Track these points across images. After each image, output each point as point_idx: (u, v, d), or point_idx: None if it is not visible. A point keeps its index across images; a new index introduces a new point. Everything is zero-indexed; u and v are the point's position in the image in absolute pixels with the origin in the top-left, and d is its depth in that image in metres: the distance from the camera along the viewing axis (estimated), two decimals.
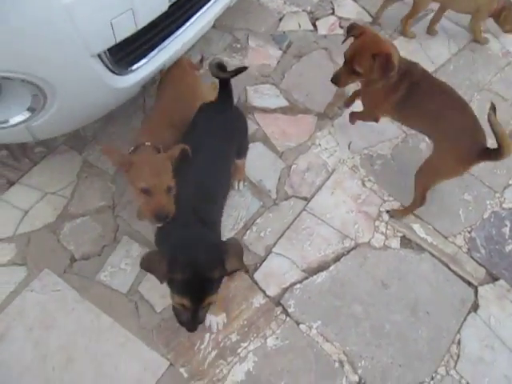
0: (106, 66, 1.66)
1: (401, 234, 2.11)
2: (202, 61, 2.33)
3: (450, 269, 2.04)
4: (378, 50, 1.77)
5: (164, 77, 2.00)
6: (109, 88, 1.72)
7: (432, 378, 1.81)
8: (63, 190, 2.12)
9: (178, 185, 1.52)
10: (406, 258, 2.05)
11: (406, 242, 2.10)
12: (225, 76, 1.76)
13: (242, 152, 1.93)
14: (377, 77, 1.80)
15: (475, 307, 1.97)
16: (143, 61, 1.85)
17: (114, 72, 1.71)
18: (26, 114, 1.60)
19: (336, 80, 1.94)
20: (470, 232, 2.15)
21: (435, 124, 1.90)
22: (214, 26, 2.65)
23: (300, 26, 2.79)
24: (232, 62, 2.59)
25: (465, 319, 1.94)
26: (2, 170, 2.15)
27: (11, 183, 2.12)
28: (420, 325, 1.91)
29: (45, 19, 1.36)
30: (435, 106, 1.87)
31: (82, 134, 2.28)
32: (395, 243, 2.08)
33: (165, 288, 1.50)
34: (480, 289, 2.01)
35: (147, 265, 1.32)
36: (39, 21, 1.36)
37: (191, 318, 1.35)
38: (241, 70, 1.76)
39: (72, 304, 1.83)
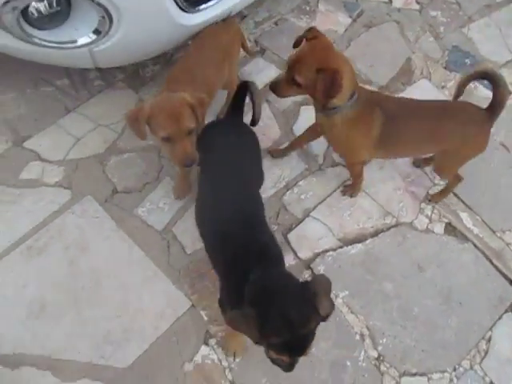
0: (175, 1, 1.66)
1: (446, 220, 2.01)
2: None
3: (492, 263, 1.94)
4: (324, 64, 1.46)
5: (207, 31, 1.89)
6: (174, 23, 1.72)
7: (454, 369, 1.74)
8: (115, 124, 2.16)
9: (218, 222, 1.42)
10: (448, 245, 1.96)
11: (450, 229, 2.01)
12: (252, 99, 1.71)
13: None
14: (318, 96, 1.52)
15: None
16: (212, 2, 1.83)
17: (181, 8, 1.71)
18: (92, 37, 1.63)
19: (275, 87, 1.64)
20: None
21: (434, 141, 1.75)
22: None
23: None
24: (298, 23, 2.52)
25: (500, 317, 1.84)
26: (62, 97, 2.22)
27: (68, 111, 2.18)
28: (451, 314, 1.83)
29: None
30: (423, 125, 1.68)
31: (140, 73, 2.31)
32: (439, 228, 2.00)
33: (197, 232, 1.52)
34: None
35: (235, 327, 1.17)
36: None
37: (290, 364, 1.23)
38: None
39: (108, 232, 1.88)
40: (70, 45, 1.64)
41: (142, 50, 1.78)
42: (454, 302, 1.86)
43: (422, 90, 2.33)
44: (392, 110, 1.65)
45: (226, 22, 1.93)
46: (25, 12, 1.55)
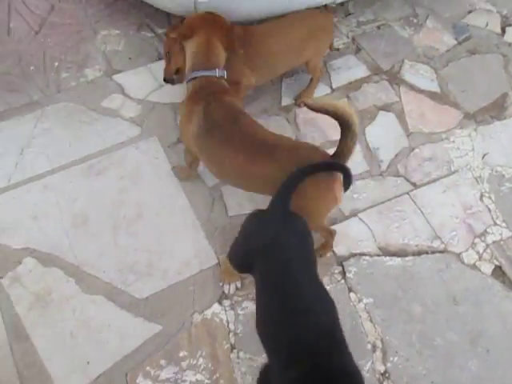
0: None
1: (497, 263, 1.90)
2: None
3: None
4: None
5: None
6: None
7: None
8: None
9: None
10: (491, 289, 1.85)
11: (499, 273, 1.88)
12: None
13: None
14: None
15: None
16: None
17: None
18: None
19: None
20: None
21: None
22: None
23: (487, 26, 2.58)
24: (401, 33, 2.49)
25: None
26: (158, 44, 2.35)
27: (160, 58, 2.30)
28: (473, 357, 1.72)
29: None
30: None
31: None
32: (487, 268, 1.88)
33: (244, 198, 1.53)
34: None
35: None
36: None
37: None
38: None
39: (162, 174, 1.97)
40: None
41: (247, 7, 1.82)
42: (481, 346, 1.74)
43: (510, 128, 2.21)
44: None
45: (323, 11, 1.99)
46: None
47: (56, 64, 2.24)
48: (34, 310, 1.69)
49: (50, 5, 2.43)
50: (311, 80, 2.16)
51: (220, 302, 1.73)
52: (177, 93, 2.19)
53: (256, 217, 1.41)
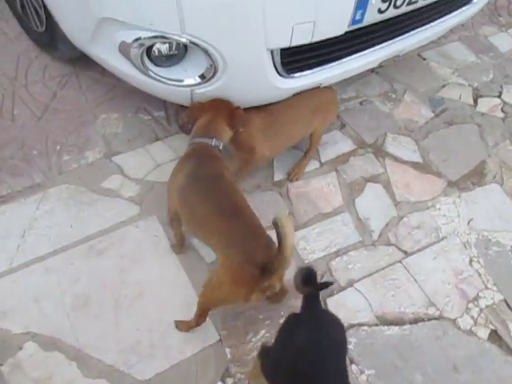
0: (273, 64, 1.87)
1: (492, 327, 1.94)
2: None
3: None
4: None
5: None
6: (269, 83, 1.92)
7: None
8: None
9: None
10: (489, 354, 1.88)
11: (495, 337, 1.92)
12: (310, 290, 1.44)
13: None
14: None
15: None
16: (306, 72, 2.02)
17: (277, 71, 1.91)
18: (197, 80, 1.86)
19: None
20: None
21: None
22: (376, 72, 2.81)
23: (460, 98, 2.78)
24: (382, 108, 2.67)
25: None
26: (155, 126, 2.49)
27: (157, 139, 2.43)
28: None
29: (243, 4, 1.61)
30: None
31: None
32: (483, 333, 1.92)
33: None
34: None
35: None
36: (238, 4, 1.60)
37: None
38: (328, 284, 1.46)
39: (162, 252, 2.02)
40: (177, 83, 1.88)
41: (235, 100, 1.97)
42: None
43: (491, 194, 2.34)
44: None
45: (326, 88, 2.23)
46: (148, 49, 1.82)
47: (58, 147, 2.35)
48: None
49: (52, 92, 2.58)
50: (305, 155, 2.31)
51: (223, 381, 1.73)
52: None
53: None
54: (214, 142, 1.81)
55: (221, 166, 1.76)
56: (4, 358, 1.73)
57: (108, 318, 1.84)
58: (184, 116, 1.94)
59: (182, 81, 1.87)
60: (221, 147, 1.84)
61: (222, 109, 1.88)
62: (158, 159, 2.35)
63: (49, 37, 2.48)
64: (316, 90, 2.17)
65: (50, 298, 1.88)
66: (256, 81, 1.89)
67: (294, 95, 2.11)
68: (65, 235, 2.05)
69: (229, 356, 1.78)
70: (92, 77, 2.66)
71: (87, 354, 1.76)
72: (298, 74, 2.01)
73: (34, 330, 1.80)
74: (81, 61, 2.64)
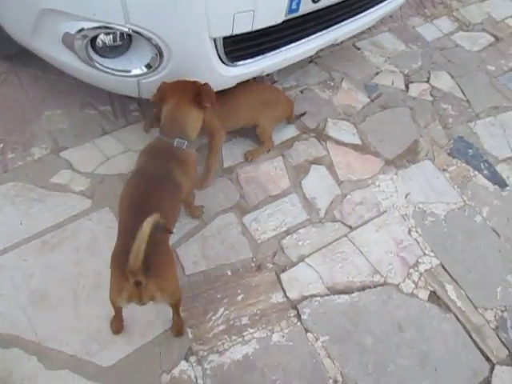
0: (217, 52, 1.95)
1: (431, 289, 2.12)
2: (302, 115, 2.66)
3: (471, 337, 2.01)
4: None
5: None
6: (213, 71, 1.99)
7: None
8: None
9: None
10: (430, 312, 2.06)
11: (434, 298, 2.11)
12: None
13: None
14: None
15: (487, 383, 1.92)
16: (248, 61, 2.12)
17: (221, 59, 1.99)
18: (144, 69, 1.90)
19: None
20: (502, 311, 2.11)
21: None
22: (314, 62, 2.96)
23: (393, 84, 2.99)
24: (321, 95, 2.82)
25: None
26: (102, 121, 2.49)
27: (105, 133, 2.43)
28: (425, 377, 1.89)
29: None
30: None
31: None
32: (423, 295, 2.10)
33: (199, 256, 1.68)
34: (497, 367, 1.95)
35: None
36: None
37: None
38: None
39: None
40: (123, 73, 1.91)
41: None
42: (430, 366, 1.92)
43: (424, 170, 2.54)
44: None
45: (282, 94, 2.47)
46: (92, 40, 1.83)
47: (1, 145, 2.30)
48: None
49: None
50: (262, 143, 2.45)
51: (187, 359, 1.79)
52: (124, 165, 2.32)
53: None
54: (176, 143, 1.75)
55: (169, 167, 1.71)
56: None
57: (67, 310, 1.85)
58: (154, 101, 1.88)
59: (129, 71, 1.90)
60: (184, 146, 1.76)
61: (188, 89, 1.82)
62: (106, 152, 2.35)
63: None
64: (272, 90, 2.45)
65: (4, 296, 1.86)
66: (201, 69, 1.95)
67: (246, 87, 2.26)
68: (15, 233, 2.03)
69: (190, 335, 1.85)
70: (32, 73, 2.62)
71: (47, 347, 1.76)
72: (241, 63, 2.09)
73: None
74: (19, 57, 2.60)
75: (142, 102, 2.57)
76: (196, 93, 1.81)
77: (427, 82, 3.05)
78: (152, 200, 1.60)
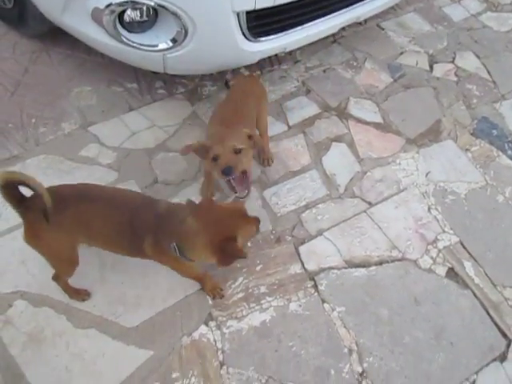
0: (240, 27, 1.99)
1: (449, 266, 2.13)
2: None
3: (488, 314, 2.02)
4: None
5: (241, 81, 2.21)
6: (237, 47, 2.04)
7: None
8: (168, 127, 2.46)
9: None
10: (447, 288, 2.07)
11: (452, 274, 2.12)
12: None
13: None
14: None
15: (502, 358, 1.92)
16: (270, 37, 2.15)
17: (244, 34, 2.03)
18: (169, 44, 1.96)
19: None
20: None
21: None
22: (338, 43, 2.96)
23: (417, 64, 2.97)
24: (344, 75, 2.83)
25: (487, 364, 1.90)
26: (129, 97, 2.57)
27: (131, 109, 2.52)
28: (440, 350, 1.91)
29: None
30: None
31: (199, 91, 2.65)
32: (441, 271, 2.11)
33: None
34: None
35: None
36: None
37: None
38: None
39: None
40: (149, 48, 1.97)
41: (205, 64, 2.09)
42: (445, 340, 1.94)
43: (446, 149, 2.53)
44: None
45: (251, 76, 2.21)
46: (120, 16, 1.90)
47: (33, 120, 2.40)
48: (28, 349, 1.76)
49: (24, 68, 2.62)
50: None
51: (206, 324, 1.86)
52: (149, 139, 2.40)
53: None
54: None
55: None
56: None
57: (94, 275, 1.94)
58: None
59: (155, 46, 1.96)
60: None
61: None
62: (132, 128, 2.43)
63: (17, 13, 2.52)
64: (247, 78, 2.26)
65: (35, 259, 1.95)
66: (224, 44, 2.00)
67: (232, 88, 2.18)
68: None
69: (210, 302, 1.92)
70: (62, 52, 2.71)
71: (75, 307, 1.86)
72: (263, 38, 2.14)
73: (22, 289, 1.89)
74: (50, 37, 2.70)
75: (167, 80, 2.64)
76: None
77: (452, 62, 3.02)
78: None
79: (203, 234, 1.47)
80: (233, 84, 2.24)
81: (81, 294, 1.88)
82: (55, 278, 1.81)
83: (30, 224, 1.55)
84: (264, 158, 2.33)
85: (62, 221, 1.54)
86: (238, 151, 1.70)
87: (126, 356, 1.76)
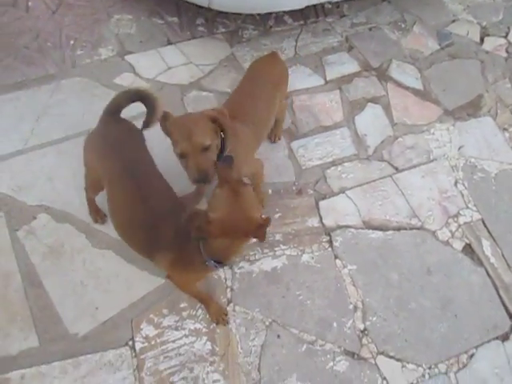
0: None
1: (467, 241, 2.11)
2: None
3: (498, 293, 2.01)
4: None
5: (256, 66, 1.96)
6: None
7: (429, 368, 1.83)
8: (204, 66, 2.43)
9: None
10: (461, 263, 2.06)
11: (468, 250, 2.10)
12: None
13: None
14: None
15: (504, 337, 1.93)
16: None
17: None
18: None
19: None
20: None
21: None
22: (388, 1, 2.84)
23: (468, 34, 2.84)
24: (389, 35, 2.73)
25: (488, 341, 1.91)
26: (168, 31, 2.53)
27: (169, 43, 2.49)
28: (443, 320, 1.92)
29: None
30: None
31: (239, 33, 2.59)
32: (458, 245, 2.10)
33: None
34: None
35: None
36: None
37: None
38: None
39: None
40: None
41: (252, 2, 2.03)
42: (450, 312, 1.95)
43: (483, 125, 2.45)
44: None
45: (272, 56, 1.97)
46: None
47: (72, 42, 2.40)
48: (47, 259, 1.83)
49: None
50: (276, 121, 2.11)
51: None
52: (184, 75, 2.38)
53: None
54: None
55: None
56: (20, 224, 1.89)
57: None
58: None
59: None
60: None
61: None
62: (169, 62, 2.41)
63: None
64: (264, 61, 1.97)
65: (62, 178, 2.02)
66: None
67: (246, 74, 1.95)
68: (77, 123, 2.15)
69: None
70: None
71: (95, 228, 1.92)
72: None
73: (47, 204, 1.95)
74: None
75: (209, 18, 2.58)
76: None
77: (505, 37, 2.87)
78: None
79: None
80: (250, 65, 2.00)
81: (99, 215, 1.92)
82: (85, 188, 1.84)
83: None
84: (276, 135, 2.21)
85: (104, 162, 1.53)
86: (206, 148, 1.48)
87: (139, 280, 1.83)
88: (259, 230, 1.24)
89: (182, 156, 1.48)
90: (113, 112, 1.64)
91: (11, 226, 1.88)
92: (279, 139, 2.24)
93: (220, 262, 1.38)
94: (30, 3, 2.50)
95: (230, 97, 1.89)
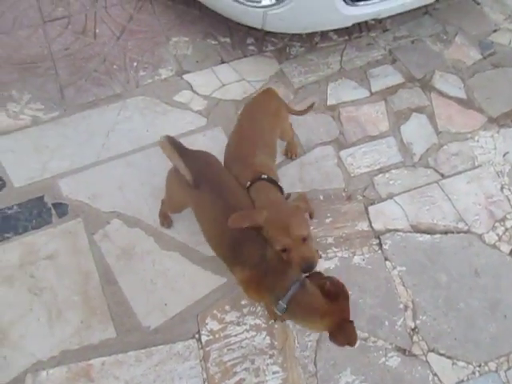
0: None
1: None
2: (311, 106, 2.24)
3: None
4: None
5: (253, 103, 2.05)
6: (334, 9, 2.14)
7: (479, 366, 1.90)
8: (256, 82, 2.61)
9: None
10: (509, 265, 2.12)
11: None
12: None
13: None
14: None
15: None
16: (368, 2, 2.22)
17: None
18: (273, 1, 2.08)
19: None
20: None
21: None
22: (429, 14, 2.95)
23: (510, 43, 2.89)
24: (432, 47, 2.83)
25: None
26: (221, 51, 2.73)
27: (223, 62, 2.68)
28: (493, 321, 1.99)
29: None
30: None
31: (287, 50, 2.76)
32: (505, 248, 2.16)
33: (296, 178, 1.91)
34: None
35: None
36: None
37: None
38: None
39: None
40: (254, 3, 2.11)
41: (301, 23, 2.19)
42: (500, 312, 2.01)
43: None
44: None
45: (265, 91, 2.07)
46: None
47: (135, 64, 2.63)
48: (121, 260, 2.03)
49: (129, 15, 2.84)
50: (287, 143, 2.30)
51: None
52: (237, 92, 2.56)
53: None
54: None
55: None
56: (96, 229, 2.10)
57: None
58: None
59: (259, 2, 2.09)
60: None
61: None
62: (223, 79, 2.61)
63: None
64: (259, 97, 2.08)
65: (131, 187, 2.22)
66: (323, 4, 2.09)
67: (242, 112, 2.04)
68: (142, 137, 2.37)
69: None
70: (164, 3, 2.90)
71: (162, 232, 2.11)
72: (361, 3, 2.20)
73: (119, 210, 2.15)
74: None
75: (258, 37, 2.77)
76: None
77: None
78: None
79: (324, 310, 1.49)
80: (243, 107, 2.08)
81: (167, 220, 2.11)
82: (162, 202, 2.05)
83: None
84: (292, 153, 2.33)
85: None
86: (306, 238, 1.54)
87: (203, 279, 2.00)
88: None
89: (284, 250, 1.53)
90: (182, 149, 1.78)
91: (89, 230, 2.09)
92: (296, 155, 2.34)
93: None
94: (97, 30, 2.76)
95: (232, 136, 2.00)
